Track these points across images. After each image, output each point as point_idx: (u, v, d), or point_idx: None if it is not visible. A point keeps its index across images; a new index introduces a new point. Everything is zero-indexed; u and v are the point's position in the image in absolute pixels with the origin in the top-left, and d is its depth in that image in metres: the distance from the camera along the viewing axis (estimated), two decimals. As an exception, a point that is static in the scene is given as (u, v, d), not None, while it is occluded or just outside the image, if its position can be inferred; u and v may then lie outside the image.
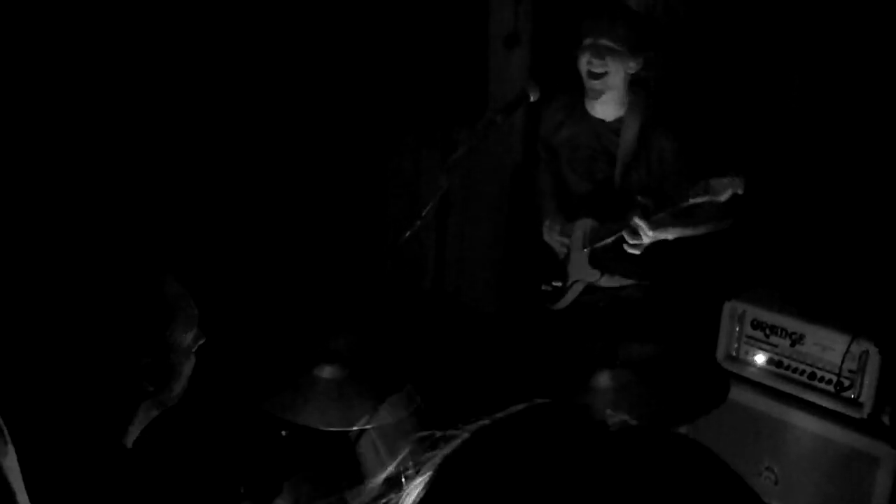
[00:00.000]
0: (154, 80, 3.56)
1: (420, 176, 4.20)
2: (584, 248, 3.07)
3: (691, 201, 2.72)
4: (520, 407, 0.73)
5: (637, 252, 2.87)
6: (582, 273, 3.12)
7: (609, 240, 2.94)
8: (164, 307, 1.70)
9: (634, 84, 3.01)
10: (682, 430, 2.80)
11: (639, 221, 2.80)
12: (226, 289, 3.39)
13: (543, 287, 3.22)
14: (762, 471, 2.96)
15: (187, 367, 1.75)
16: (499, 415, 0.73)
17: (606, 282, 3.10)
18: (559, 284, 3.18)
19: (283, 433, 2.50)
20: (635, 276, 3.08)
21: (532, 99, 2.75)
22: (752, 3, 3.42)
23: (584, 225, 3.09)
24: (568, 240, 3.13)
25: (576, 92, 3.08)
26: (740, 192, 2.67)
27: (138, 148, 3.57)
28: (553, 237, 3.16)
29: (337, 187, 4.16)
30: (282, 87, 3.91)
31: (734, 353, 3.05)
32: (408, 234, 2.56)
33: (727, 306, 3.05)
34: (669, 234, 2.88)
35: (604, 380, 2.56)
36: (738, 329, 3.04)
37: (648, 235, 2.81)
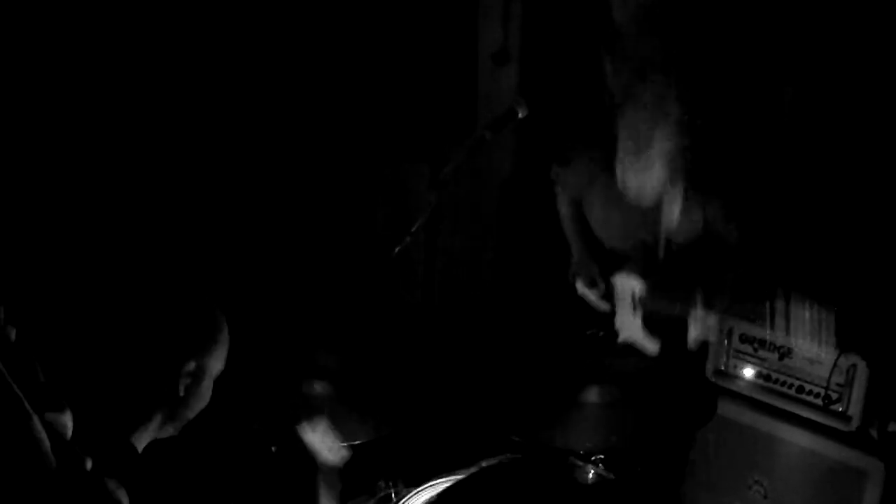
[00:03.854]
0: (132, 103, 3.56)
1: (409, 192, 4.21)
2: (637, 311, 3.00)
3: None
4: (492, 461, 0.74)
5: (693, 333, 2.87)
6: (635, 335, 3.05)
7: (669, 312, 2.91)
8: (209, 333, 1.82)
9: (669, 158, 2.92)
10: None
11: (708, 318, 2.79)
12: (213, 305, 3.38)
13: (589, 332, 3.14)
14: (751, 484, 2.97)
15: (208, 394, 1.84)
16: (471, 469, 0.74)
17: (653, 349, 3.03)
18: (601, 334, 3.11)
19: (273, 449, 2.50)
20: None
21: (521, 115, 2.75)
22: (743, 14, 3.44)
23: (629, 284, 3.01)
24: (603, 290, 3.07)
25: (599, 151, 3.02)
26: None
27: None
28: (589, 292, 3.09)
29: (326, 203, 4.17)
30: (267, 105, 3.92)
31: (723, 368, 3.06)
32: (397, 249, 2.56)
33: (716, 321, 3.06)
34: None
35: (593, 395, 2.57)
36: (726, 343, 3.05)
37: (709, 327, 2.82)
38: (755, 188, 3.26)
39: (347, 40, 4.04)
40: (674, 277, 2.89)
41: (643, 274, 2.99)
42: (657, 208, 2.96)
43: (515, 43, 4.05)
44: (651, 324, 3.01)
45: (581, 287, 3.09)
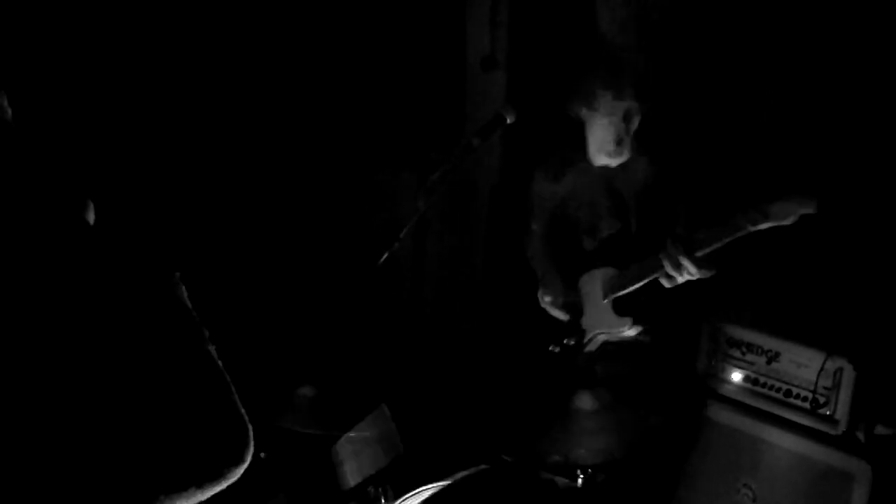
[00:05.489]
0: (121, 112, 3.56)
1: (397, 198, 4.21)
2: (606, 297, 2.96)
3: (750, 229, 2.54)
4: (469, 471, 0.75)
5: (669, 285, 2.74)
6: (605, 324, 2.98)
7: (639, 285, 2.83)
8: None
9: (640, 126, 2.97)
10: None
11: (683, 260, 2.64)
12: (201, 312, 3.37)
13: (552, 348, 3.07)
14: (740, 488, 2.98)
15: None
16: (447, 481, 0.76)
17: (631, 332, 2.96)
18: (572, 343, 3.05)
19: (262, 455, 2.50)
20: (656, 318, 2.98)
21: (509, 122, 2.76)
22: (725, 18, 3.46)
23: (598, 276, 2.99)
24: (569, 301, 3.03)
25: (565, 149, 3.07)
26: (812, 211, 2.46)
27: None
28: (555, 309, 3.06)
29: (313, 210, 4.17)
30: (254, 109, 3.92)
31: (711, 371, 3.07)
32: (386, 255, 2.57)
33: (705, 325, 3.08)
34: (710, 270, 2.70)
35: (584, 400, 2.57)
36: (715, 347, 3.06)
37: (692, 273, 2.68)
38: (742, 191, 3.27)
39: (336, 48, 4.05)
40: (642, 245, 2.85)
41: (613, 261, 2.97)
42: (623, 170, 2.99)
43: (503, 49, 4.06)
44: (621, 307, 2.94)
45: (548, 305, 3.06)
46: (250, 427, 1.19)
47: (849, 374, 2.75)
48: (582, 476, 2.49)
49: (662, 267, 2.71)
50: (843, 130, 3.22)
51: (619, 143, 2.92)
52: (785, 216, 2.49)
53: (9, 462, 1.02)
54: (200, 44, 3.68)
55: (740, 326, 3.02)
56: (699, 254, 2.65)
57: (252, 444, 1.18)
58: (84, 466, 1.04)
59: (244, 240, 3.93)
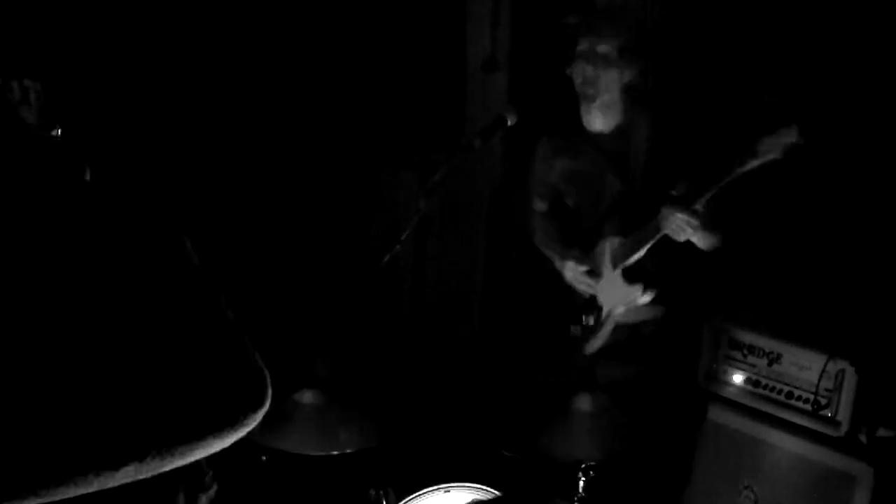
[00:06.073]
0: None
1: (398, 199, 4.21)
2: (615, 267, 2.97)
3: (740, 170, 2.58)
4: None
5: (681, 239, 2.75)
6: (619, 297, 2.98)
7: (642, 251, 2.86)
8: None
9: (631, 93, 2.98)
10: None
11: (681, 216, 2.68)
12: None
13: (573, 329, 3.07)
14: (741, 490, 2.98)
15: None
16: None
17: (645, 299, 2.94)
18: (590, 321, 3.04)
19: (263, 458, 2.50)
20: (670, 281, 2.96)
21: (510, 123, 2.76)
22: (725, 21, 3.46)
23: (608, 247, 2.99)
24: (592, 272, 3.02)
25: (564, 126, 3.07)
26: (797, 140, 2.50)
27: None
28: (577, 275, 3.05)
29: (314, 211, 4.17)
30: (254, 111, 3.92)
31: (713, 374, 3.07)
32: (387, 257, 2.56)
33: (706, 327, 3.08)
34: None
35: (583, 403, 2.57)
36: (716, 349, 3.06)
37: (695, 225, 2.70)
38: (742, 194, 3.27)
39: (337, 49, 4.05)
40: (648, 209, 2.85)
41: (621, 230, 2.97)
42: (620, 140, 2.99)
43: (504, 51, 4.07)
44: (631, 275, 2.95)
45: (570, 272, 3.07)
46: (267, 373, 1.19)
47: (850, 376, 2.75)
48: (583, 478, 2.49)
49: (661, 229, 2.74)
50: (842, 136, 3.22)
51: (593, 88, 2.90)
52: (770, 150, 2.53)
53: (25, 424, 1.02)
54: (205, 47, 3.69)
55: (742, 328, 3.01)
56: (697, 206, 2.69)
57: (270, 389, 1.17)
58: (98, 417, 1.04)
59: (244, 240, 3.93)
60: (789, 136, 2.51)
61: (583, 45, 2.93)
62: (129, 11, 3.47)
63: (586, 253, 3.06)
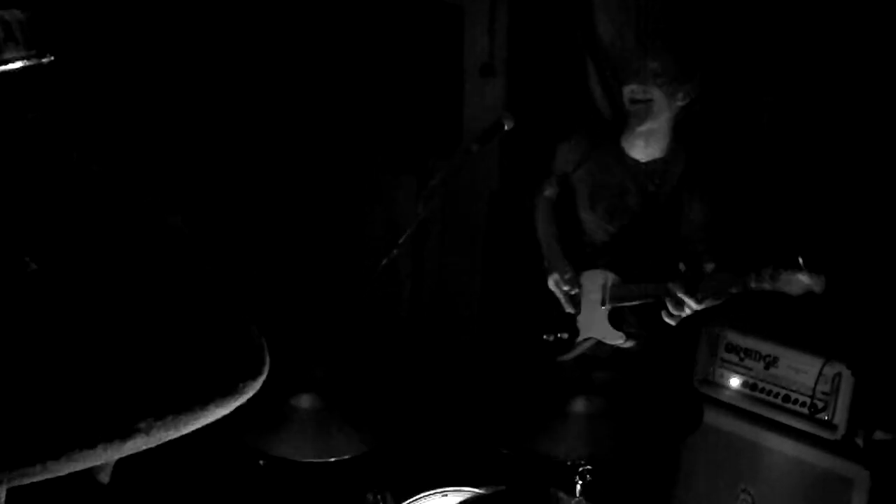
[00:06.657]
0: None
1: (396, 204, 4.21)
2: (604, 305, 2.98)
3: (752, 286, 2.60)
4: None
5: (673, 323, 2.77)
6: (599, 332, 3.00)
7: (637, 302, 2.88)
8: None
9: (679, 126, 2.95)
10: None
11: (684, 297, 2.69)
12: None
13: (545, 337, 3.09)
14: (739, 493, 2.98)
15: None
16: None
17: (624, 345, 2.98)
18: (565, 336, 3.05)
19: (261, 463, 2.50)
20: (650, 337, 2.98)
21: (507, 128, 2.76)
22: (722, 24, 3.46)
23: (600, 278, 2.99)
24: (576, 291, 3.02)
25: (600, 129, 3.06)
26: (818, 291, 2.51)
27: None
28: (560, 288, 3.04)
29: (313, 216, 4.17)
30: (251, 114, 3.92)
31: (709, 377, 3.07)
32: (385, 262, 2.57)
33: (703, 330, 3.08)
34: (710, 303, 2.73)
35: (580, 406, 2.57)
36: (713, 352, 3.06)
37: (693, 308, 2.71)
38: (739, 197, 3.27)
39: (335, 54, 4.05)
40: (650, 264, 2.87)
41: (617, 267, 2.98)
42: (652, 176, 2.96)
43: (502, 56, 4.07)
44: (617, 318, 2.98)
45: (553, 282, 3.06)
46: (264, 342, 1.20)
47: (847, 380, 2.75)
48: (580, 481, 2.49)
49: (667, 296, 2.73)
50: (838, 138, 3.23)
51: (636, 103, 2.87)
52: (788, 286, 2.55)
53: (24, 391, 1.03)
54: (206, 52, 3.69)
55: (738, 332, 3.02)
56: (702, 299, 2.69)
57: (267, 357, 1.19)
58: (93, 385, 1.05)
59: (243, 242, 3.93)
60: (816, 285, 2.51)
61: (635, 65, 2.90)
62: (130, 10, 3.48)
63: (576, 270, 3.05)
